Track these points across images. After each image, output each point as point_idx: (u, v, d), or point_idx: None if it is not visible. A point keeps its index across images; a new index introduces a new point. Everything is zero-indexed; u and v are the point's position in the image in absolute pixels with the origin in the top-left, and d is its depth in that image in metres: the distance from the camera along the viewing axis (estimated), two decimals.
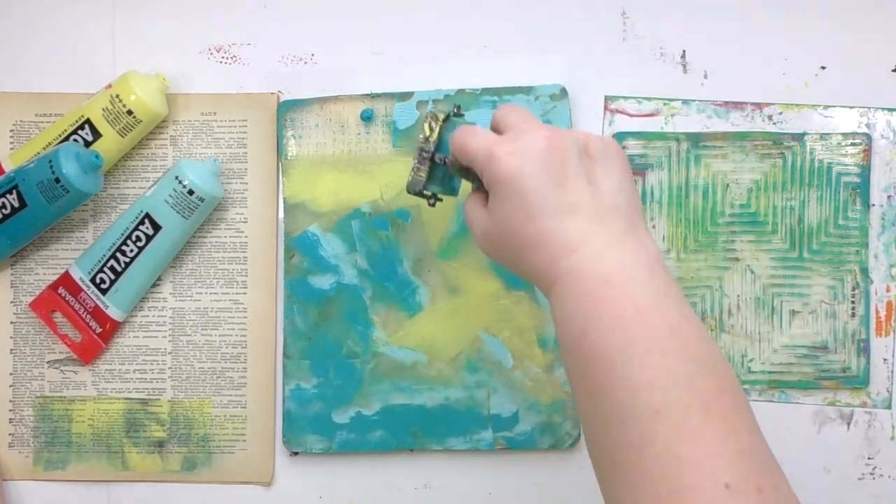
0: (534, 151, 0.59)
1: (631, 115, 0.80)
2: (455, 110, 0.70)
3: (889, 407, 0.79)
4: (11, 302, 0.81)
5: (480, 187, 0.63)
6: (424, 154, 0.68)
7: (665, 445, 0.51)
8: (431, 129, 0.69)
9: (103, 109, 0.76)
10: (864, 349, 0.79)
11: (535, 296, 0.78)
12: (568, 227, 0.58)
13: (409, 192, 0.69)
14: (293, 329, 0.79)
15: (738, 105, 0.80)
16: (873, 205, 0.79)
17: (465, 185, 0.68)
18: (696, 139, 0.79)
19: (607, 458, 0.54)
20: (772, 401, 0.79)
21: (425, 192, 0.69)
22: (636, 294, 0.55)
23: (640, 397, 0.52)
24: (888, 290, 0.79)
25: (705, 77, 0.80)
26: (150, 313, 0.80)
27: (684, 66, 0.80)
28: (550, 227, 0.58)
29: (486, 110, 0.79)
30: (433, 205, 0.70)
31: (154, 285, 0.80)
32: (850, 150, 0.79)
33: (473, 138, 0.62)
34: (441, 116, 0.69)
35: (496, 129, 0.64)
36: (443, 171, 0.69)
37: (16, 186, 0.75)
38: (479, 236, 0.63)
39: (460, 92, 0.79)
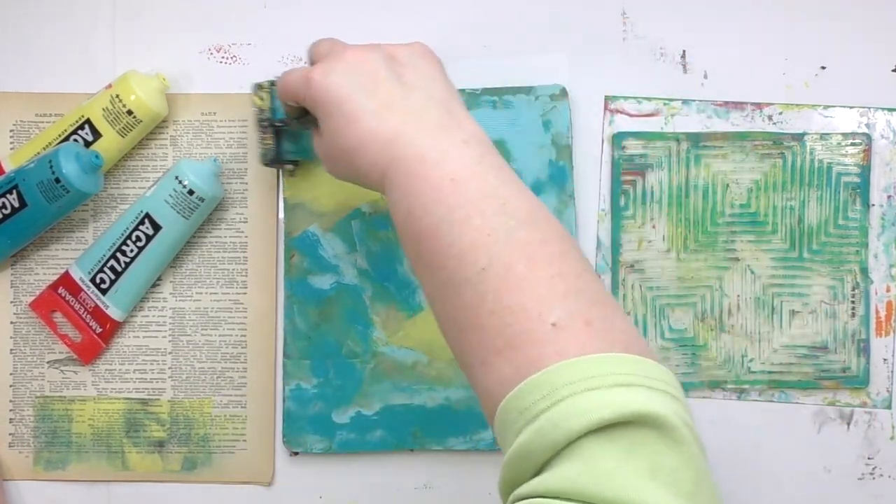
0: (343, 66, 0.63)
1: (631, 115, 0.80)
2: (276, 78, 0.72)
3: (889, 407, 0.79)
4: (11, 302, 0.81)
5: (317, 125, 0.66)
6: (264, 122, 0.73)
7: (496, 299, 0.54)
8: (262, 99, 0.73)
9: (103, 109, 0.76)
10: (864, 349, 0.79)
11: None
12: (385, 122, 0.61)
13: (263, 163, 0.73)
14: (293, 329, 0.79)
15: (738, 105, 0.80)
16: (873, 205, 0.79)
17: None
18: (696, 139, 0.79)
19: (452, 325, 0.57)
20: (772, 401, 0.79)
21: (282, 159, 0.72)
22: (450, 167, 0.58)
23: (466, 259, 0.55)
24: (888, 290, 0.79)
25: (705, 77, 0.80)
26: (150, 313, 0.80)
27: (684, 66, 0.80)
28: (369, 126, 0.61)
29: (487, 110, 0.79)
30: (293, 173, 0.73)
31: (154, 285, 0.80)
32: (850, 150, 0.79)
33: (290, 74, 0.66)
34: (266, 84, 0.72)
35: (312, 61, 0.68)
36: (289, 133, 0.72)
37: (16, 186, 0.75)
38: (323, 162, 0.66)
39: (460, 92, 0.79)
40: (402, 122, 0.60)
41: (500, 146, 0.79)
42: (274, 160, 0.73)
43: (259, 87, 0.73)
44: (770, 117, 0.80)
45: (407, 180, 0.59)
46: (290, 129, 0.72)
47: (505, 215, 0.56)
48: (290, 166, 0.73)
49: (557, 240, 0.57)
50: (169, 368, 0.80)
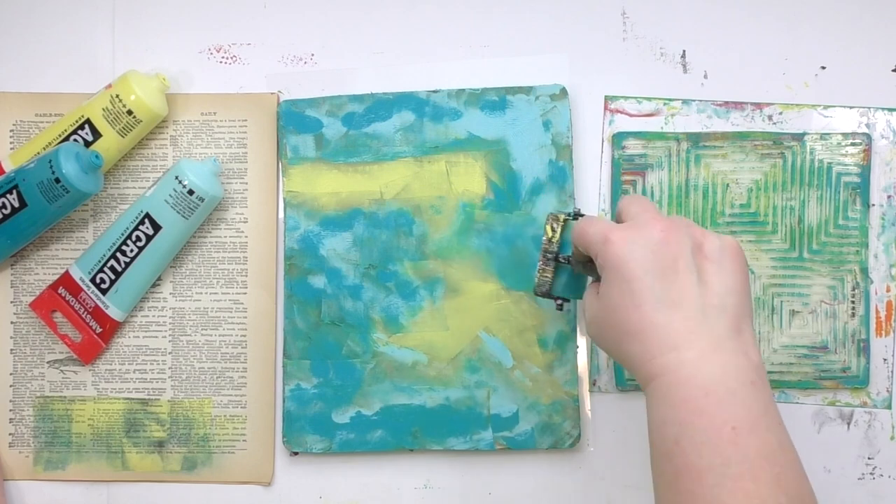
0: (647, 241, 0.60)
1: (631, 115, 0.80)
2: (576, 212, 0.72)
3: (889, 407, 0.79)
4: (11, 302, 0.81)
5: (599, 279, 0.64)
6: (549, 255, 0.71)
7: None
8: (554, 231, 0.71)
9: (103, 109, 0.76)
10: (864, 349, 0.79)
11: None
12: (670, 321, 0.58)
13: (535, 293, 0.72)
14: (293, 329, 0.79)
15: (738, 105, 0.80)
16: (873, 205, 0.79)
17: None
18: (696, 139, 0.79)
19: None
20: None
21: (552, 294, 0.71)
22: (734, 411, 0.55)
23: None
24: (888, 290, 0.79)
25: (705, 77, 0.80)
26: (150, 313, 0.80)
27: (684, 66, 0.80)
28: (653, 318, 0.58)
29: (487, 110, 0.79)
30: (560, 308, 0.72)
31: (154, 285, 0.80)
32: (850, 150, 0.79)
33: (592, 225, 0.63)
34: (562, 217, 0.71)
35: (618, 219, 0.65)
36: (567, 271, 0.71)
37: (16, 186, 0.75)
38: (588, 321, 0.64)
39: (460, 92, 0.79)
40: (691, 331, 0.58)
41: (501, 146, 0.79)
42: (546, 294, 0.71)
43: (555, 217, 0.71)
44: (770, 117, 0.80)
45: (684, 407, 0.56)
46: (573, 269, 0.70)
47: (777, 488, 0.54)
48: (559, 301, 0.72)
49: None
50: (169, 368, 0.80)
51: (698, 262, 0.60)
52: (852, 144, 0.79)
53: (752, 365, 0.58)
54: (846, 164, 0.79)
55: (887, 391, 0.79)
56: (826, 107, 0.80)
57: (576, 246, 0.66)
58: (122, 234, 0.77)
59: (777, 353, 0.79)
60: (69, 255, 0.80)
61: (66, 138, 0.77)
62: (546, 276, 0.71)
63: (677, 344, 0.57)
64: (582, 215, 0.71)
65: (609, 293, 0.61)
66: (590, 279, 0.68)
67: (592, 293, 0.64)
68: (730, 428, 0.55)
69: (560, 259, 0.70)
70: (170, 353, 0.80)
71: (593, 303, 0.63)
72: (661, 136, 0.79)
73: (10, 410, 0.80)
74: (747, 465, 0.54)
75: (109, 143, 0.77)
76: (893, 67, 0.80)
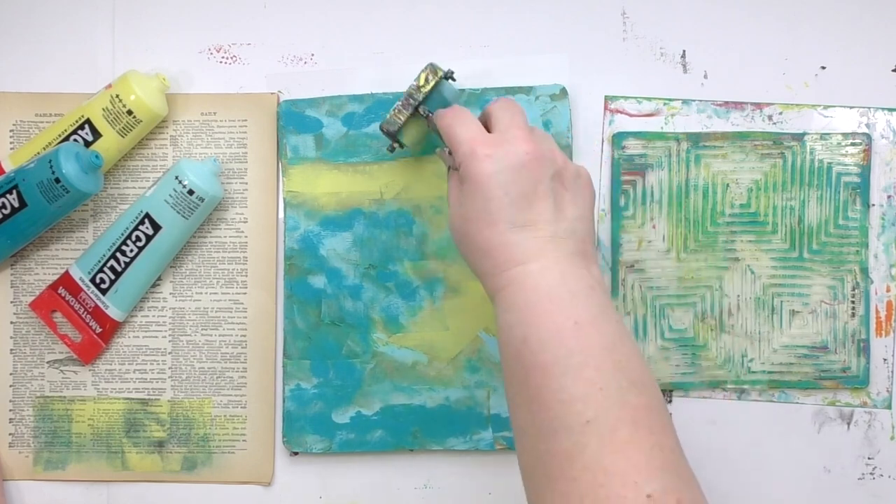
0: (512, 161, 0.62)
1: (631, 115, 0.80)
2: (449, 73, 0.72)
3: (889, 407, 0.79)
4: (11, 302, 0.81)
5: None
6: (412, 101, 0.71)
7: (594, 457, 0.54)
8: (427, 81, 0.71)
9: (103, 109, 0.76)
10: (864, 349, 0.79)
11: None
12: (522, 240, 0.61)
13: (381, 129, 0.72)
14: (293, 329, 0.79)
15: (738, 105, 0.80)
16: (873, 205, 0.79)
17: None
18: (696, 139, 0.79)
19: (538, 468, 0.57)
20: (772, 401, 0.79)
21: (396, 135, 0.72)
22: (575, 310, 0.58)
23: (573, 408, 0.55)
24: (888, 290, 0.79)
25: (705, 77, 0.80)
26: (150, 313, 0.80)
27: (684, 66, 0.80)
28: (505, 238, 0.61)
29: None
30: (392, 150, 0.73)
31: (154, 285, 0.80)
32: (850, 150, 0.79)
33: (462, 127, 0.65)
34: (440, 72, 0.71)
35: (485, 121, 0.67)
36: (420, 124, 0.71)
37: (16, 186, 0.75)
38: (450, 217, 0.66)
39: (461, 92, 0.79)
40: (540, 250, 0.61)
41: None
42: (391, 134, 0.72)
43: (433, 69, 0.71)
44: (770, 117, 0.80)
45: (529, 309, 0.59)
46: (428, 126, 0.71)
47: (619, 372, 0.56)
48: (397, 146, 0.73)
49: (659, 409, 0.57)
50: (169, 368, 0.80)
51: (556, 187, 0.63)
52: (852, 144, 0.79)
53: (593, 276, 0.61)
54: (846, 164, 0.79)
55: (887, 391, 0.79)
56: (826, 107, 0.80)
57: (440, 130, 0.68)
58: (122, 234, 0.77)
59: (777, 353, 0.79)
60: (69, 255, 0.80)
61: (66, 138, 0.77)
62: (398, 118, 0.71)
63: (525, 259, 0.61)
64: (454, 78, 0.73)
65: (468, 204, 0.63)
66: (446, 151, 0.68)
67: (455, 183, 0.66)
68: (572, 323, 0.58)
69: (420, 111, 0.71)
70: (170, 353, 0.80)
71: (455, 195, 0.65)
72: (661, 136, 0.79)
73: (10, 410, 0.80)
74: (590, 354, 0.57)
75: (109, 143, 0.77)
76: (893, 67, 0.80)
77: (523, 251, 0.61)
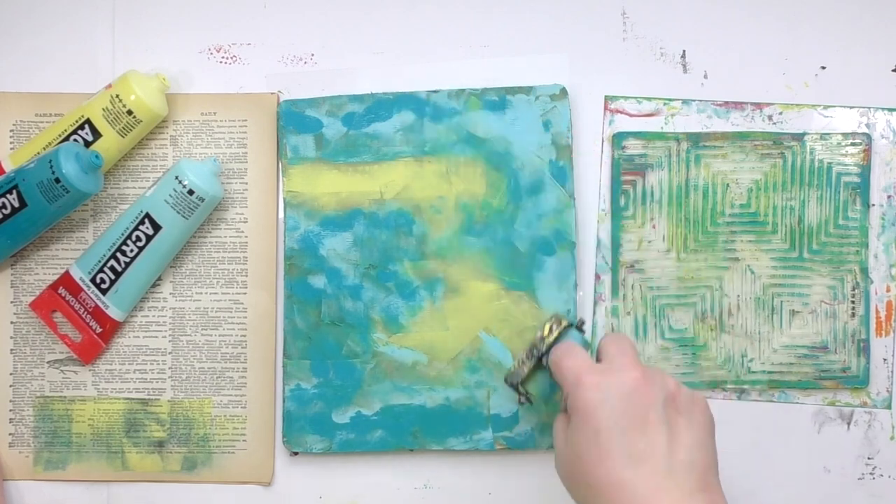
0: (620, 389, 0.59)
1: (631, 115, 0.80)
2: (579, 324, 0.71)
3: (889, 407, 0.79)
4: (12, 302, 0.81)
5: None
6: (535, 352, 0.69)
7: None
8: (550, 331, 0.69)
9: (103, 109, 0.76)
10: (864, 349, 0.79)
11: (535, 296, 0.78)
12: (636, 477, 0.57)
13: (505, 381, 0.71)
14: (293, 329, 0.79)
15: (738, 105, 0.80)
16: (873, 205, 0.79)
17: None
18: (696, 139, 0.79)
19: None
20: (772, 401, 0.79)
21: (520, 387, 0.70)
22: None
23: None
24: (888, 290, 0.79)
25: (705, 77, 0.80)
26: (150, 313, 0.80)
27: (684, 66, 0.80)
28: (619, 475, 0.58)
29: (487, 110, 0.79)
30: (522, 403, 0.71)
31: (154, 285, 0.80)
32: (850, 150, 0.79)
33: (569, 358, 0.63)
34: (564, 322, 0.69)
35: (598, 356, 0.64)
36: (546, 374, 0.69)
37: (16, 186, 0.74)
38: (556, 455, 0.63)
39: (460, 92, 0.79)
40: (657, 488, 0.57)
41: (501, 146, 0.79)
42: (516, 385, 0.70)
43: (557, 320, 0.69)
44: (770, 117, 0.80)
45: None
46: (551, 377, 0.68)
47: None
48: (524, 398, 0.71)
49: None
50: (169, 368, 0.80)
51: (669, 414, 0.59)
52: (852, 144, 0.79)
53: None
54: (846, 164, 0.79)
55: (887, 391, 0.79)
56: (826, 107, 0.80)
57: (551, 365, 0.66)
58: (122, 234, 0.77)
59: (777, 353, 0.79)
60: (69, 255, 0.80)
61: (66, 138, 0.77)
62: (522, 370, 0.70)
63: (643, 501, 0.57)
64: (582, 330, 0.71)
65: (576, 438, 0.60)
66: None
67: (562, 424, 0.63)
68: None
69: (543, 362, 0.69)
70: (170, 353, 0.80)
71: (561, 437, 0.62)
72: (661, 136, 0.79)
73: (10, 410, 0.80)
74: None
75: (109, 143, 0.77)
76: (893, 67, 0.80)
77: (640, 491, 0.57)
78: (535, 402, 0.71)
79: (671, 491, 0.57)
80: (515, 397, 0.71)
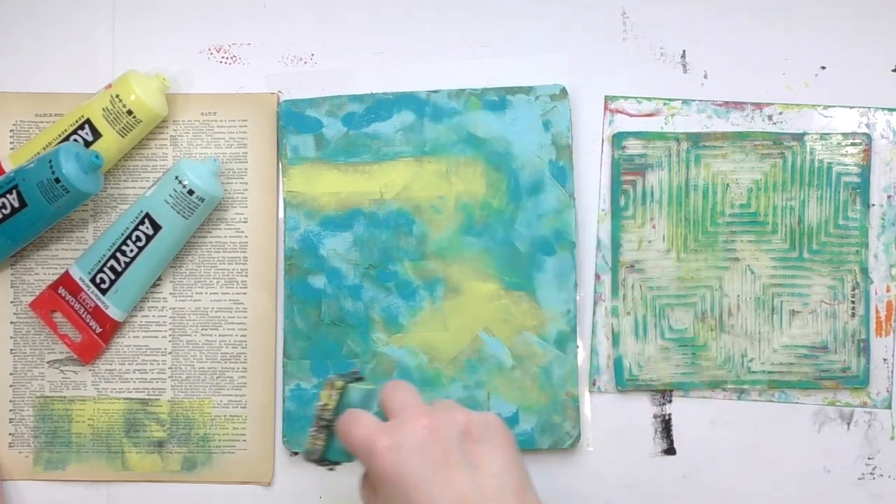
0: (413, 443, 0.58)
1: (631, 115, 0.80)
2: (354, 377, 0.69)
3: (889, 407, 0.79)
4: (11, 302, 0.81)
5: None
6: (322, 421, 0.67)
7: None
8: (330, 397, 0.67)
9: (103, 109, 0.76)
10: (864, 349, 0.79)
11: (535, 296, 0.78)
12: None
13: (306, 460, 0.68)
14: (293, 329, 0.79)
15: (738, 105, 0.80)
16: (873, 205, 0.79)
17: None
18: (696, 139, 0.79)
19: None
20: (772, 401, 0.79)
21: (329, 459, 0.68)
22: None
23: None
24: (888, 290, 0.79)
25: (705, 77, 0.80)
26: (150, 313, 0.80)
27: (684, 66, 0.80)
28: None
29: (487, 110, 0.79)
30: (332, 470, 0.72)
31: (154, 285, 0.80)
32: (850, 150, 0.79)
33: (355, 428, 0.61)
34: (339, 384, 0.68)
35: (383, 411, 0.63)
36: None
37: (16, 186, 0.74)
38: None
39: (460, 92, 0.79)
40: None
41: (501, 146, 0.79)
42: (319, 460, 0.68)
43: (331, 384, 0.68)
44: (770, 117, 0.80)
45: None
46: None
47: None
48: (332, 466, 0.69)
49: None
50: (169, 368, 0.80)
51: (468, 448, 0.59)
52: (852, 144, 0.79)
53: None
54: (846, 164, 0.79)
55: (887, 391, 0.79)
56: (826, 107, 0.80)
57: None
58: (122, 234, 0.77)
59: (777, 353, 0.79)
60: (69, 255, 0.80)
61: (66, 138, 0.77)
62: (318, 444, 0.67)
63: None
64: (360, 378, 0.69)
65: (388, 503, 0.59)
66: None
67: (368, 491, 0.62)
68: None
69: (334, 427, 0.67)
70: (170, 353, 0.80)
71: (370, 501, 0.62)
72: (661, 136, 0.79)
73: (10, 410, 0.80)
74: None
75: (109, 143, 0.77)
76: (893, 67, 0.80)
77: None
78: (346, 461, 0.69)
79: None
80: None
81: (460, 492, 0.57)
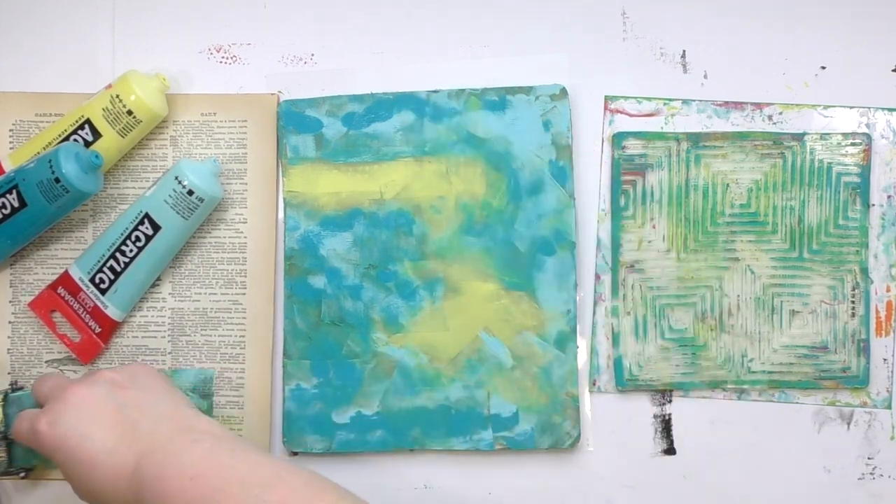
0: (68, 410, 0.64)
1: (631, 115, 0.80)
2: (10, 387, 0.74)
3: (889, 407, 0.79)
4: (10, 302, 0.80)
5: None
6: None
7: None
8: None
9: (103, 109, 0.76)
10: (864, 349, 0.79)
11: (535, 296, 0.78)
12: (122, 457, 0.62)
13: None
14: (293, 329, 0.79)
15: (738, 105, 0.80)
16: (873, 205, 0.79)
17: None
18: (696, 139, 0.79)
19: None
20: (772, 401, 0.79)
21: (16, 468, 0.73)
22: (187, 470, 0.60)
23: None
24: (888, 290, 0.79)
25: (705, 77, 0.80)
26: (150, 313, 0.80)
27: (684, 66, 0.80)
28: (109, 467, 0.62)
29: (487, 110, 0.79)
30: (25, 477, 0.75)
31: (153, 285, 0.80)
32: (850, 150, 0.79)
33: (20, 425, 0.67)
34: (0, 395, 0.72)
35: (38, 401, 0.69)
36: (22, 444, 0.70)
37: (16, 186, 0.74)
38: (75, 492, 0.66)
39: (460, 92, 0.79)
40: (139, 452, 0.62)
41: (501, 146, 0.79)
42: (4, 472, 0.73)
43: None
44: (770, 117, 0.80)
45: (158, 498, 0.60)
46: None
47: (249, 486, 0.59)
48: (24, 473, 0.74)
49: (312, 490, 0.60)
50: (168, 369, 0.80)
51: (119, 396, 0.65)
52: (852, 144, 0.79)
53: (195, 431, 0.63)
54: (846, 164, 0.79)
55: (887, 391, 0.79)
56: (826, 107, 0.80)
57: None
58: (122, 235, 0.77)
59: (777, 353, 0.79)
60: (69, 255, 0.80)
61: (66, 138, 0.77)
62: (0, 457, 0.72)
63: (137, 468, 0.61)
64: (20, 388, 0.74)
65: (69, 474, 0.64)
66: None
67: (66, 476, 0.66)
68: (188, 480, 0.59)
69: (9, 436, 0.71)
70: (169, 354, 0.80)
71: (75, 486, 0.65)
72: (661, 136, 0.79)
73: None
74: (217, 492, 0.59)
75: (109, 143, 0.77)
76: (893, 67, 0.80)
77: (130, 464, 0.62)
78: (37, 461, 0.73)
79: (150, 446, 0.62)
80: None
81: (120, 432, 0.63)
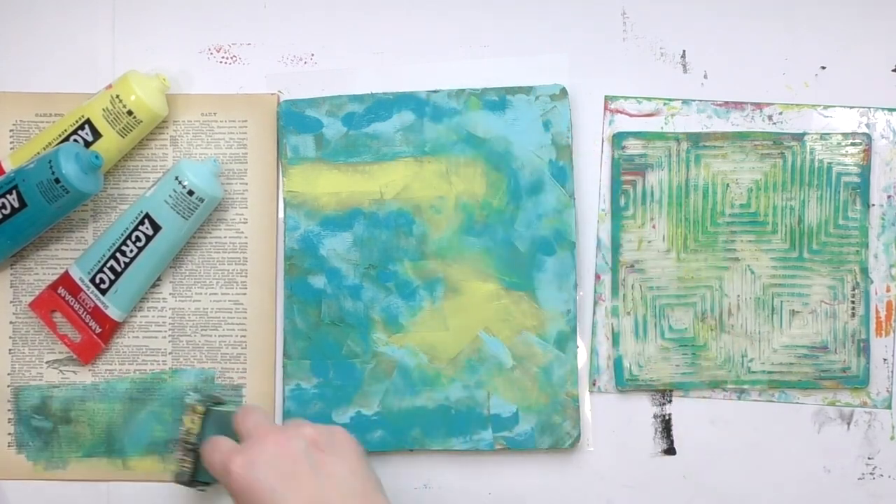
0: (263, 459, 0.64)
1: (631, 115, 0.80)
2: (216, 400, 0.74)
3: (889, 407, 0.79)
4: (11, 302, 0.80)
5: None
6: (188, 445, 0.72)
7: None
8: (192, 422, 0.73)
9: (103, 109, 0.76)
10: (864, 349, 0.79)
11: (535, 296, 0.78)
12: None
13: (176, 482, 0.73)
14: (293, 329, 0.79)
15: (738, 105, 0.80)
16: (873, 205, 0.79)
17: None
18: (696, 139, 0.79)
19: None
20: (772, 401, 0.79)
21: (198, 480, 0.73)
22: None
23: None
24: (888, 290, 0.79)
25: (705, 77, 0.80)
26: (150, 314, 0.80)
27: (684, 66, 0.80)
28: None
29: (487, 110, 0.79)
30: (203, 490, 0.75)
31: (154, 286, 0.80)
32: (850, 150, 0.79)
33: (213, 453, 0.67)
34: (200, 409, 0.73)
35: (239, 436, 0.69)
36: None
37: (16, 186, 0.74)
38: None
39: (460, 92, 0.79)
40: None
41: (501, 146, 0.79)
42: (188, 482, 0.73)
43: (192, 408, 0.73)
44: (770, 117, 0.80)
45: None
46: None
47: None
48: (202, 487, 0.74)
49: None
50: (169, 369, 0.80)
51: (315, 458, 0.65)
52: (852, 144, 0.79)
53: None
54: (846, 164, 0.79)
55: (887, 391, 0.79)
56: (826, 107, 0.80)
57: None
58: (122, 235, 0.77)
59: (777, 353, 0.79)
60: (69, 255, 0.80)
61: (66, 138, 0.77)
62: (186, 467, 0.73)
63: None
64: (221, 402, 0.74)
65: None
66: None
67: None
68: None
69: (199, 450, 0.71)
70: (169, 354, 0.80)
71: None
72: (661, 136, 0.79)
73: (10, 411, 0.80)
74: None
75: (109, 144, 0.77)
76: (893, 67, 0.80)
77: None
78: (215, 482, 0.72)
79: None
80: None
81: (309, 497, 0.63)
